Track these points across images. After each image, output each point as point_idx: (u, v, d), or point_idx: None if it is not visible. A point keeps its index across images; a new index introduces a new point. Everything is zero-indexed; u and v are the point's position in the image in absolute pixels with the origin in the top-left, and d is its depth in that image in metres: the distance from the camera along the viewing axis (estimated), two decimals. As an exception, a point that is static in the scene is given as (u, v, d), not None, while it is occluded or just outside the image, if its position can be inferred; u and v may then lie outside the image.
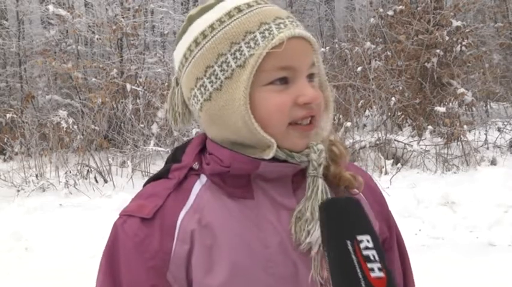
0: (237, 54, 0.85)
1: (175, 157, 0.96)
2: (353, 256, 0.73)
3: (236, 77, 0.85)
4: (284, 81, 0.86)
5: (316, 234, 0.85)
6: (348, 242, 0.74)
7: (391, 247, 1.00)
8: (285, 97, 0.85)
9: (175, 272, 0.86)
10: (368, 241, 0.74)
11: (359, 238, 0.74)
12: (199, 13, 0.91)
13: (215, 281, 0.85)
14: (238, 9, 0.87)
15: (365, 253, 0.73)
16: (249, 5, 0.88)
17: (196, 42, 0.89)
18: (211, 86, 0.87)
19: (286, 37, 0.84)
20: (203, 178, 0.92)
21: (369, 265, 0.72)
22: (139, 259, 0.86)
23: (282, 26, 0.86)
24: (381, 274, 0.72)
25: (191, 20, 0.92)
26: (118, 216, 0.91)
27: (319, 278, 0.86)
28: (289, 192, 0.91)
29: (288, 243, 0.88)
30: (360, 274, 0.72)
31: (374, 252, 0.74)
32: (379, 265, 0.73)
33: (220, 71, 0.86)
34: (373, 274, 0.72)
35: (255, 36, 0.85)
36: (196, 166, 0.92)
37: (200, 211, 0.88)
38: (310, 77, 0.89)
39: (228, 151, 0.89)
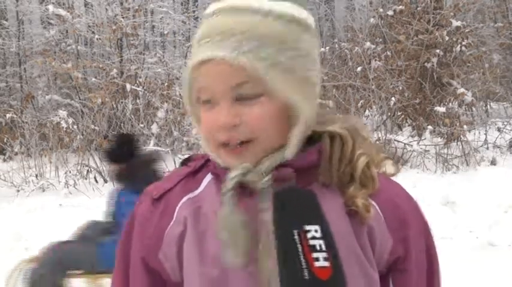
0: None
1: None
2: (298, 245, 0.74)
3: None
4: (211, 102, 0.84)
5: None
6: (295, 232, 0.75)
7: (406, 269, 0.91)
8: (209, 118, 0.84)
9: (167, 250, 0.90)
10: (316, 231, 0.76)
11: (307, 227, 0.76)
12: None
13: (202, 270, 0.86)
14: (204, 17, 0.88)
15: (311, 242, 0.75)
16: (208, 15, 0.87)
17: None
18: None
19: (193, 64, 0.83)
20: None
21: (314, 255, 0.74)
22: (141, 233, 0.94)
23: (202, 48, 0.83)
24: (326, 264, 0.74)
25: None
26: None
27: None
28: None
29: None
30: (303, 263, 0.73)
31: (321, 242, 0.75)
32: (325, 254, 0.74)
33: None
34: (317, 263, 0.73)
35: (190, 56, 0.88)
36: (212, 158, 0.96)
37: (202, 201, 0.91)
38: (240, 98, 0.81)
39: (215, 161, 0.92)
